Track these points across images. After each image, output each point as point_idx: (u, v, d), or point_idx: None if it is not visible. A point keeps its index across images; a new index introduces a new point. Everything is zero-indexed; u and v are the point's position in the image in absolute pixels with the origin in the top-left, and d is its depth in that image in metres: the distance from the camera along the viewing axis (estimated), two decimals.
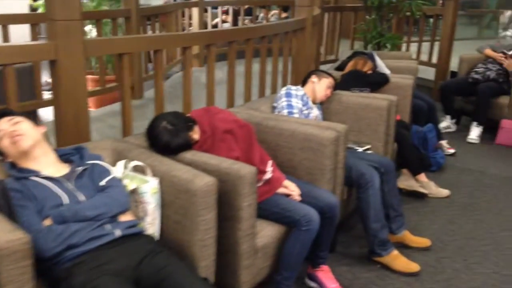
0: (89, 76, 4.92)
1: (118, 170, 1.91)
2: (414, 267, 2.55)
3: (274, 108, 2.90)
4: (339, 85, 3.33)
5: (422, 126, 3.84)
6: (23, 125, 1.78)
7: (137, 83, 4.76)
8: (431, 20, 6.73)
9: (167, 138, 2.03)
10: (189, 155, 2.05)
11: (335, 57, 6.22)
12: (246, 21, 7.69)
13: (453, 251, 2.78)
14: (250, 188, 1.91)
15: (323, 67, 5.27)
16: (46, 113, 4.38)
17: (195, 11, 6.37)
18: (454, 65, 5.57)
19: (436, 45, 5.98)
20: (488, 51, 4.76)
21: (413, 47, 6.23)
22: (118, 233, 1.68)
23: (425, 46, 6.11)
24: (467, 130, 4.70)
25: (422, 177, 3.47)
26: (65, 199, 1.71)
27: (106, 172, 1.85)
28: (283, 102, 2.81)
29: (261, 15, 8.48)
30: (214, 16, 7.95)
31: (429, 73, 5.99)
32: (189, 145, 2.09)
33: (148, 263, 1.65)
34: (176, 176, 1.83)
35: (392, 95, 3.13)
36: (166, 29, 5.57)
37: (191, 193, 1.74)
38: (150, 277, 1.62)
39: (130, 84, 4.47)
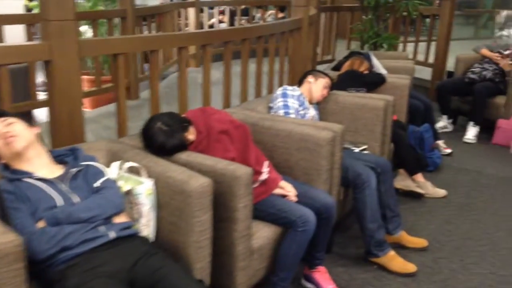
0: (85, 77, 4.90)
1: (112, 171, 1.90)
2: (410, 267, 2.54)
3: (270, 108, 2.89)
4: (335, 85, 3.33)
5: (419, 126, 3.84)
6: (17, 126, 1.77)
7: (133, 84, 4.75)
8: (428, 20, 6.74)
9: (162, 139, 2.01)
10: (184, 155, 2.03)
11: (332, 57, 6.21)
12: (243, 21, 7.67)
13: (450, 252, 2.77)
14: (245, 189, 1.89)
15: (320, 67, 5.26)
16: (42, 114, 4.35)
17: (191, 11, 6.36)
18: (450, 65, 5.57)
19: (433, 45, 5.98)
20: (485, 51, 4.76)
21: (410, 47, 6.23)
22: (112, 235, 1.67)
23: (422, 46, 6.11)
24: (463, 130, 4.70)
25: (419, 177, 3.47)
26: (59, 200, 1.69)
27: (101, 173, 1.83)
28: (279, 102, 2.80)
29: (258, 15, 8.47)
30: (211, 16, 7.94)
31: (425, 73, 5.99)
32: (184, 145, 2.08)
33: (143, 265, 1.64)
34: (171, 177, 1.81)
35: (388, 95, 3.12)
36: (162, 30, 5.55)
37: (186, 194, 1.73)
38: (145, 279, 1.61)
39: (125, 85, 4.46)
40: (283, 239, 2.14)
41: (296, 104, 2.80)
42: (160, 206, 1.85)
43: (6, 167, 1.76)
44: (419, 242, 2.79)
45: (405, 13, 5.68)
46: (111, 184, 1.81)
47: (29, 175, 1.72)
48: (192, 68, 6.09)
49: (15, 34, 4.58)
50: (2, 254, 1.32)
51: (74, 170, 1.80)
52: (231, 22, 7.83)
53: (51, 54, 2.07)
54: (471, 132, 4.60)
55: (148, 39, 2.72)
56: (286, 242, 2.12)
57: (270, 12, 8.52)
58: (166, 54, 5.63)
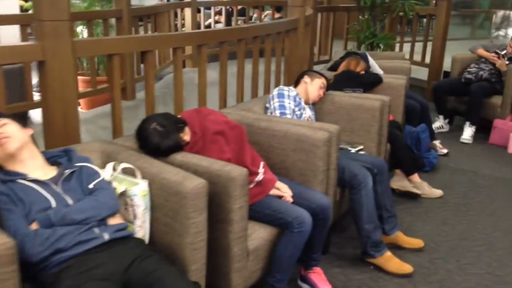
0: (81, 77, 4.89)
1: (107, 172, 1.89)
2: (407, 268, 2.54)
3: (266, 108, 2.88)
4: (332, 86, 3.32)
5: (415, 127, 3.84)
6: (10, 127, 1.75)
7: (129, 84, 4.73)
8: (424, 20, 6.74)
9: (157, 140, 2.00)
10: (179, 156, 2.02)
11: (329, 57, 6.21)
12: (240, 21, 7.66)
13: (446, 252, 2.77)
14: (241, 190, 1.88)
15: (316, 68, 5.26)
16: (38, 115, 4.34)
17: (187, 12, 6.35)
18: (447, 65, 5.57)
19: (429, 45, 5.98)
20: (481, 51, 4.76)
21: (407, 47, 6.23)
22: (106, 236, 1.66)
23: (419, 46, 6.11)
24: (460, 130, 4.70)
25: (415, 177, 3.46)
26: (53, 202, 1.68)
27: (95, 175, 1.82)
28: (275, 102, 2.79)
29: (255, 15, 8.46)
30: (208, 16, 7.93)
31: (422, 73, 5.99)
32: (179, 146, 2.07)
33: (137, 267, 1.63)
34: (166, 178, 1.80)
35: (385, 96, 3.12)
36: (158, 30, 5.54)
37: (181, 195, 1.72)
38: (140, 281, 1.60)
39: (120, 85, 4.45)
40: (279, 240, 2.13)
41: (292, 104, 2.79)
42: (155, 207, 1.84)
43: None
44: (416, 242, 2.79)
45: (401, 13, 5.68)
46: (105, 185, 1.80)
47: (22, 176, 1.71)
48: (189, 69, 6.08)
49: (11, 35, 4.57)
50: None
51: (68, 171, 1.79)
52: (228, 23, 7.82)
53: (45, 55, 2.06)
54: (468, 132, 4.60)
55: (143, 40, 2.71)
56: (282, 243, 2.11)
57: (266, 12, 8.51)
58: (162, 54, 5.62)
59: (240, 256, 1.96)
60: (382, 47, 5.54)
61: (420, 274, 2.54)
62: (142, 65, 5.56)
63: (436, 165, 3.96)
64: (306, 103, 2.98)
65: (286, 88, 2.87)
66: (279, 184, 2.24)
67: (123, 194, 1.82)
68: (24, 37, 4.09)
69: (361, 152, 2.95)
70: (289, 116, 2.74)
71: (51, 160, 1.86)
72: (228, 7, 7.65)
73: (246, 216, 1.95)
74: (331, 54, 6.29)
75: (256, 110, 2.87)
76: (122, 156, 1.99)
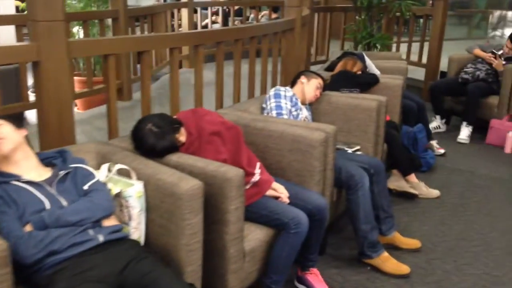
0: (77, 78, 4.87)
1: (101, 173, 1.87)
2: (404, 269, 2.53)
3: (263, 109, 2.87)
4: (328, 86, 3.31)
5: (412, 127, 3.83)
6: (4, 128, 1.74)
7: (126, 84, 4.72)
8: (421, 20, 6.75)
9: (153, 140, 1.99)
10: (175, 157, 2.01)
11: (326, 57, 6.21)
12: (237, 22, 7.65)
13: (444, 252, 2.76)
14: (237, 191, 1.87)
15: (313, 68, 5.25)
16: (34, 116, 4.32)
17: (184, 12, 6.34)
18: (444, 65, 5.58)
19: (426, 45, 5.98)
20: (478, 51, 4.76)
21: (403, 47, 6.23)
22: (101, 238, 1.65)
23: (415, 46, 6.11)
24: (457, 130, 4.70)
25: (412, 177, 3.46)
26: (47, 204, 1.66)
27: (90, 176, 1.80)
28: (272, 103, 2.78)
29: (252, 15, 8.45)
30: (205, 17, 7.92)
31: (419, 74, 5.99)
32: (175, 147, 2.06)
33: (133, 269, 1.61)
34: (161, 179, 1.79)
35: (381, 96, 3.11)
36: (155, 30, 5.52)
37: (177, 196, 1.71)
38: (135, 283, 1.59)
39: (117, 86, 4.44)
40: (275, 241, 2.12)
41: (288, 105, 2.79)
42: (150, 208, 1.83)
43: None
44: (413, 243, 2.78)
45: (398, 14, 5.68)
46: (100, 186, 1.78)
47: (16, 178, 1.69)
48: (186, 69, 6.08)
49: (6, 35, 4.55)
50: None
51: (62, 172, 1.78)
52: (225, 23, 7.81)
53: (39, 55, 2.04)
54: (464, 132, 4.60)
55: (139, 40, 2.70)
56: (278, 244, 2.10)
57: (263, 12, 8.51)
58: (159, 55, 5.61)
59: (236, 257, 1.95)
60: (379, 47, 5.54)
61: (417, 275, 2.54)
62: (138, 66, 5.56)
63: (433, 165, 3.95)
64: (303, 103, 2.97)
65: (282, 88, 2.86)
66: (275, 184, 2.23)
67: (118, 195, 1.80)
68: (19, 37, 4.08)
69: (358, 153, 2.94)
70: (285, 117, 2.73)
71: (46, 161, 1.84)
72: (225, 7, 7.64)
73: (242, 217, 1.94)
74: (328, 55, 6.29)
75: (253, 110, 2.86)
76: (117, 157, 1.98)
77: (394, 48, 6.21)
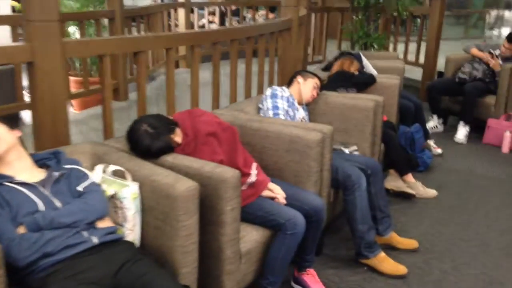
0: (73, 78, 4.85)
1: (96, 174, 1.86)
2: (401, 269, 2.52)
3: (259, 109, 2.86)
4: (325, 86, 3.30)
5: (409, 126, 3.83)
6: None
7: (122, 85, 4.69)
8: (418, 20, 6.75)
9: (148, 141, 1.97)
10: (170, 158, 2.00)
11: (323, 57, 6.20)
12: (234, 22, 7.63)
13: (441, 252, 2.76)
14: (233, 192, 1.86)
15: (310, 68, 5.24)
16: (30, 116, 4.30)
17: (181, 12, 6.32)
18: (441, 65, 5.58)
19: (423, 45, 5.98)
20: (474, 51, 4.76)
21: (400, 47, 6.23)
22: (95, 240, 1.63)
23: (412, 46, 6.11)
24: (454, 130, 4.70)
25: (410, 177, 3.45)
26: (41, 205, 1.65)
27: (84, 177, 1.79)
28: (268, 103, 2.77)
29: (249, 15, 8.44)
30: (201, 17, 7.89)
31: (416, 73, 5.99)
32: (170, 148, 2.04)
33: (127, 271, 1.60)
34: (156, 180, 1.78)
35: (378, 96, 3.11)
36: (151, 30, 5.50)
37: (172, 198, 1.69)
38: (129, 285, 1.57)
39: (113, 86, 4.40)
40: (272, 242, 2.10)
41: (285, 105, 2.77)
42: (146, 210, 1.81)
43: None
44: (410, 243, 2.77)
45: (395, 14, 5.68)
46: (94, 188, 1.77)
47: (9, 179, 1.68)
48: (183, 69, 6.05)
49: (1, 36, 4.53)
50: None
51: (56, 174, 1.76)
52: (222, 23, 7.79)
53: (34, 56, 2.02)
54: (462, 132, 4.60)
55: (134, 40, 2.68)
56: (275, 245, 2.08)
57: (260, 12, 8.49)
58: (156, 55, 5.59)
59: (232, 258, 1.93)
60: (376, 47, 5.54)
61: (414, 275, 2.53)
62: (135, 65, 5.54)
63: (430, 165, 3.95)
64: (300, 103, 2.96)
65: (279, 88, 2.85)
66: (271, 185, 2.22)
67: (113, 196, 1.79)
68: (15, 38, 4.06)
69: (355, 153, 2.93)
70: (282, 117, 2.71)
71: (40, 162, 1.83)
72: (222, 7, 7.61)
73: (239, 218, 1.93)
74: (325, 54, 6.28)
75: (249, 110, 2.85)
76: (112, 158, 1.96)
77: (391, 48, 6.20)
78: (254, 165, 2.22)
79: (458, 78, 4.71)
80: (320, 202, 2.23)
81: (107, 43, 2.47)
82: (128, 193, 1.79)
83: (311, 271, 2.36)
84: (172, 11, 6.58)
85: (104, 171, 1.88)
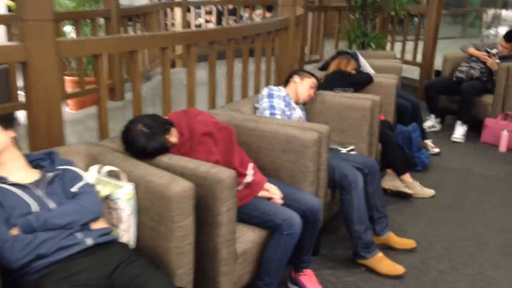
0: (69, 78, 4.82)
1: (90, 175, 1.84)
2: (399, 269, 2.51)
3: (256, 109, 2.84)
4: (322, 85, 3.29)
5: (407, 126, 3.82)
6: None
7: (118, 84, 4.68)
8: (416, 19, 6.74)
9: (143, 142, 1.96)
10: (166, 159, 1.98)
11: (320, 57, 6.18)
12: (231, 21, 7.62)
13: (439, 252, 2.75)
14: (229, 193, 1.85)
15: (307, 67, 5.22)
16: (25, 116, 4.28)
17: (177, 11, 6.29)
18: (438, 64, 5.57)
19: (421, 44, 5.97)
20: (472, 50, 4.75)
21: (398, 46, 6.22)
22: (89, 241, 1.61)
23: (410, 45, 6.10)
24: (451, 129, 4.69)
25: (407, 177, 3.44)
26: (35, 206, 1.63)
27: (78, 178, 1.77)
28: (264, 103, 2.75)
29: (246, 15, 8.42)
30: (198, 16, 7.87)
31: (413, 73, 5.98)
32: (166, 148, 2.02)
33: (122, 272, 1.59)
34: (151, 181, 1.76)
35: (375, 95, 3.10)
36: (147, 30, 5.48)
37: (167, 199, 1.68)
38: (124, 286, 1.56)
39: (108, 86, 4.38)
40: (268, 242, 2.09)
41: (282, 104, 2.76)
42: (141, 211, 1.80)
43: None
44: (407, 243, 2.76)
45: (392, 13, 5.67)
46: (88, 189, 1.75)
47: (3, 180, 1.66)
48: (180, 69, 6.04)
49: None
50: None
51: (50, 174, 1.74)
52: (219, 22, 7.78)
53: (28, 55, 2.00)
54: (459, 131, 4.59)
55: (129, 40, 2.66)
56: (271, 246, 2.07)
57: (258, 12, 8.47)
58: (152, 54, 5.56)
59: (228, 259, 1.92)
60: (373, 46, 5.53)
61: (412, 275, 2.52)
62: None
63: (428, 164, 3.94)
64: (297, 103, 2.94)
65: (275, 88, 2.83)
66: (268, 185, 2.20)
67: (107, 197, 1.77)
68: (9, 37, 4.03)
69: (352, 152, 2.92)
70: (278, 117, 2.70)
71: (34, 163, 1.81)
72: (218, 6, 7.60)
73: (235, 219, 1.91)
74: (322, 54, 6.27)
75: (245, 110, 2.83)
76: (107, 158, 1.94)
77: (388, 47, 6.19)
78: (251, 165, 2.20)
79: (455, 77, 4.70)
80: (317, 202, 2.22)
81: (102, 43, 2.45)
82: (123, 194, 1.77)
83: (308, 271, 2.34)
84: (168, 10, 6.55)
85: (98, 172, 1.86)
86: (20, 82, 3.99)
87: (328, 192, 2.59)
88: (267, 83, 3.62)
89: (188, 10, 6.68)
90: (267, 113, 2.71)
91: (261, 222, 2.09)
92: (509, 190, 3.61)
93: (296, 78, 2.99)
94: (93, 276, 1.54)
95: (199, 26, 7.45)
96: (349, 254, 2.62)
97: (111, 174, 1.86)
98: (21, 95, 3.99)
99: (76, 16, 4.60)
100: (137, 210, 1.80)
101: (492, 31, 10.14)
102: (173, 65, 6.21)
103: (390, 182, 3.43)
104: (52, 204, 1.66)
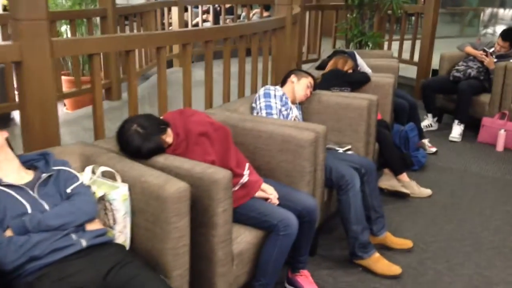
0: (65, 77, 4.81)
1: (85, 176, 1.83)
2: (395, 269, 2.50)
3: (252, 108, 2.83)
4: (319, 85, 3.28)
5: (404, 125, 3.81)
6: None
7: (115, 84, 4.66)
8: (413, 18, 6.74)
9: (138, 142, 1.94)
10: (161, 159, 1.97)
11: (318, 56, 6.18)
12: (228, 20, 7.60)
13: (436, 252, 2.74)
14: (225, 193, 1.83)
15: (305, 66, 5.22)
16: None
17: (174, 11, 6.28)
18: (436, 63, 5.56)
19: (418, 44, 5.96)
20: (469, 49, 4.75)
21: (395, 45, 6.22)
22: (84, 243, 1.60)
23: (407, 44, 6.10)
24: (449, 128, 4.68)
25: (404, 176, 3.44)
26: (29, 208, 1.62)
27: (73, 179, 1.76)
28: (261, 102, 2.74)
29: (243, 14, 8.40)
30: (196, 15, 7.86)
31: (410, 72, 5.97)
32: (161, 149, 2.01)
33: (117, 274, 1.57)
34: (146, 182, 1.75)
35: (372, 95, 3.09)
36: (144, 29, 5.46)
37: (162, 199, 1.67)
38: None
39: (105, 85, 4.37)
40: (264, 243, 2.08)
41: (278, 104, 2.75)
42: (136, 212, 1.78)
43: None
44: (404, 243, 2.75)
45: (389, 12, 5.66)
46: (83, 189, 1.74)
47: None
48: (176, 68, 6.02)
49: None
50: None
51: (45, 175, 1.73)
52: (216, 21, 7.75)
53: (22, 55, 1.99)
54: (456, 131, 4.59)
55: (125, 39, 2.65)
56: (267, 246, 2.06)
57: (255, 11, 8.46)
58: (149, 54, 5.55)
59: (224, 260, 1.91)
60: (370, 45, 5.52)
61: (409, 275, 2.51)
62: None
63: (425, 164, 3.93)
64: (293, 102, 2.93)
65: (272, 87, 2.82)
66: (264, 185, 2.19)
67: (102, 198, 1.76)
68: (5, 37, 4.01)
69: (349, 152, 2.91)
70: (275, 116, 2.69)
71: (28, 164, 1.79)
72: (216, 5, 7.58)
73: (231, 220, 1.90)
74: (319, 53, 6.26)
75: (242, 110, 2.82)
76: (102, 159, 1.93)
77: (386, 46, 6.18)
78: (247, 166, 2.20)
79: (452, 76, 4.69)
80: (313, 202, 2.21)
81: (97, 42, 2.44)
82: (118, 195, 1.76)
83: (305, 272, 2.34)
84: (165, 10, 6.53)
85: (93, 173, 1.85)
86: (16, 82, 3.99)
87: (325, 192, 2.58)
88: (265, 83, 3.61)
89: (185, 10, 6.66)
90: (263, 113, 2.70)
91: (257, 222, 2.09)
92: (506, 189, 3.61)
93: (293, 78, 2.98)
94: (88, 278, 1.53)
95: (196, 25, 7.43)
96: (346, 255, 2.61)
97: (106, 174, 1.85)
98: (17, 95, 3.98)
99: (72, 15, 4.58)
100: (132, 211, 1.79)
101: (489, 30, 10.15)
102: (170, 64, 6.19)
103: (387, 181, 3.42)
104: (46, 205, 1.64)
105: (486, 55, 4.57)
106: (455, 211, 3.25)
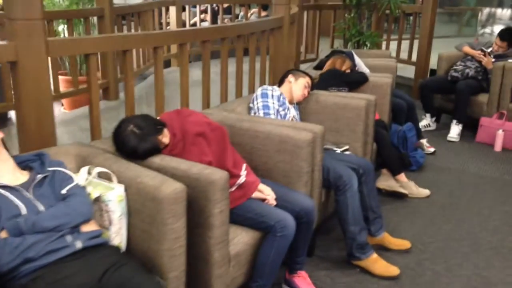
0: (63, 77, 4.79)
1: (81, 177, 1.81)
2: (393, 270, 2.49)
3: (250, 108, 2.82)
4: (317, 85, 3.27)
5: (402, 125, 3.80)
6: None
7: (112, 84, 4.65)
8: (411, 18, 6.73)
9: (134, 142, 1.93)
10: (158, 160, 1.96)
11: (316, 55, 6.17)
12: (226, 19, 7.59)
13: (433, 253, 2.73)
14: (221, 194, 1.82)
15: (303, 66, 5.22)
16: None
17: (172, 10, 6.26)
18: (434, 63, 5.56)
19: (416, 43, 5.96)
20: (467, 49, 4.74)
21: (393, 45, 6.21)
22: (79, 244, 1.59)
23: (405, 44, 6.09)
24: (447, 128, 4.68)
25: (402, 177, 3.43)
26: (23, 209, 1.60)
27: (68, 180, 1.74)
28: (259, 102, 2.73)
29: (241, 13, 8.39)
30: (193, 15, 7.84)
31: (408, 72, 5.97)
32: (157, 149, 2.00)
33: (112, 276, 1.56)
34: (142, 182, 1.73)
35: (370, 94, 3.08)
36: (142, 29, 5.45)
37: (158, 200, 1.65)
38: None
39: (103, 85, 4.35)
40: (261, 244, 2.07)
41: (276, 104, 2.74)
42: (132, 213, 1.77)
43: None
44: (402, 243, 2.75)
45: (387, 11, 5.66)
46: (79, 190, 1.72)
47: None
48: (174, 68, 6.01)
49: None
50: None
51: (40, 176, 1.71)
52: (214, 21, 7.74)
53: (17, 55, 1.97)
54: (454, 131, 4.58)
55: (121, 39, 2.63)
56: (264, 247, 2.05)
57: (253, 10, 8.45)
58: (147, 53, 5.53)
59: (221, 262, 1.90)
60: (368, 45, 5.51)
61: (407, 276, 2.50)
62: None
63: (423, 164, 3.93)
64: (291, 102, 2.92)
65: (270, 87, 2.81)
66: (261, 186, 2.18)
67: (98, 199, 1.75)
68: (1, 36, 3.98)
69: (347, 152, 2.90)
70: (273, 116, 2.68)
71: (23, 164, 1.78)
72: (214, 5, 7.56)
73: (227, 221, 1.89)
74: (317, 53, 6.25)
75: (240, 110, 2.81)
76: (98, 159, 1.92)
77: (384, 46, 6.18)
78: (244, 166, 2.18)
79: (450, 76, 4.69)
80: (311, 203, 2.20)
81: (94, 42, 2.42)
82: (114, 196, 1.75)
83: (302, 273, 2.33)
84: (163, 9, 6.52)
85: (89, 173, 1.84)
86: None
87: (322, 192, 2.57)
88: (262, 83, 3.59)
89: (183, 9, 6.65)
90: (261, 113, 2.69)
91: (254, 223, 2.07)
92: (504, 189, 3.60)
93: (290, 78, 2.97)
94: (83, 280, 1.52)
95: (194, 25, 7.41)
96: (344, 255, 2.60)
97: (101, 175, 1.83)
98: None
99: (69, 14, 4.56)
100: (128, 212, 1.77)
101: (487, 30, 10.15)
102: (168, 64, 6.18)
103: (385, 182, 3.41)
104: (41, 207, 1.63)
105: (484, 55, 4.57)
106: (453, 211, 3.24)
